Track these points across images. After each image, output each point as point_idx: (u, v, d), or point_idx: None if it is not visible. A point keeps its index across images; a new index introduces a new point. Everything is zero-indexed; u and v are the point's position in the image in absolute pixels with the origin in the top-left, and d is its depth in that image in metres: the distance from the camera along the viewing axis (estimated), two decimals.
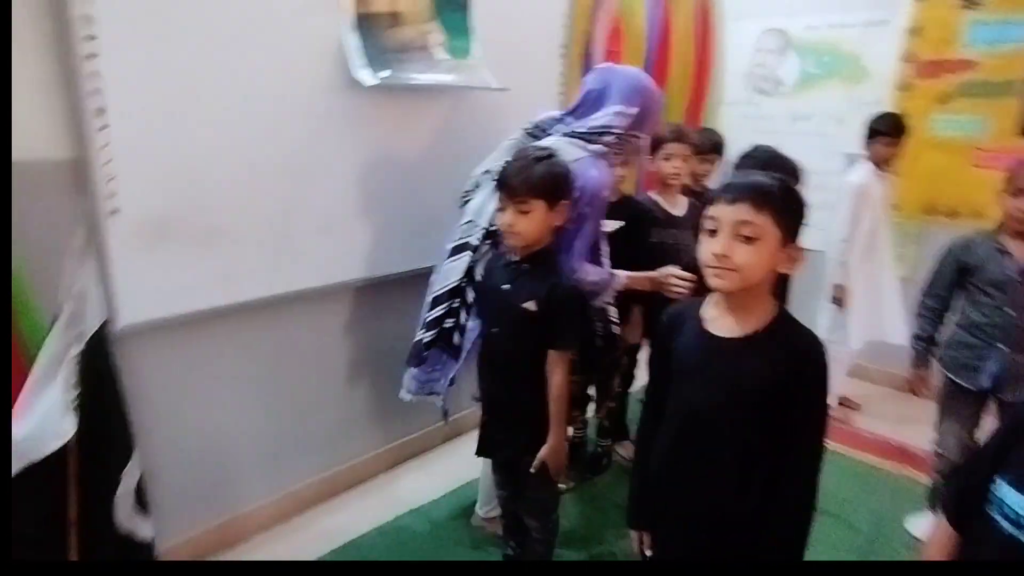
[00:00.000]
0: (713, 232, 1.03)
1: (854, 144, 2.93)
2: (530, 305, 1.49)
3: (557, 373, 1.52)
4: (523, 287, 1.51)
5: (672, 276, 1.81)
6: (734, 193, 1.02)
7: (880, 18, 3.16)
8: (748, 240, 1.00)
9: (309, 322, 2.05)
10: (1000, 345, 1.82)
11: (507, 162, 1.50)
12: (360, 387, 2.28)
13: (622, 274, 1.83)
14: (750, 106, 3.68)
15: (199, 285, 1.70)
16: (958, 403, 1.95)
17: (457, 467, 2.37)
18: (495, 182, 1.52)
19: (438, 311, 1.81)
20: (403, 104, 2.10)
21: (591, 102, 1.73)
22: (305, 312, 2.02)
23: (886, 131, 2.71)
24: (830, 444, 2.62)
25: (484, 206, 1.77)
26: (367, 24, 1.89)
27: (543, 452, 1.54)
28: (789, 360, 1.03)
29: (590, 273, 1.74)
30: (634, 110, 1.70)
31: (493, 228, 1.71)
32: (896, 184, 2.88)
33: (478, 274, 1.76)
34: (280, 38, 1.73)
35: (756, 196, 1.00)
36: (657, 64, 3.14)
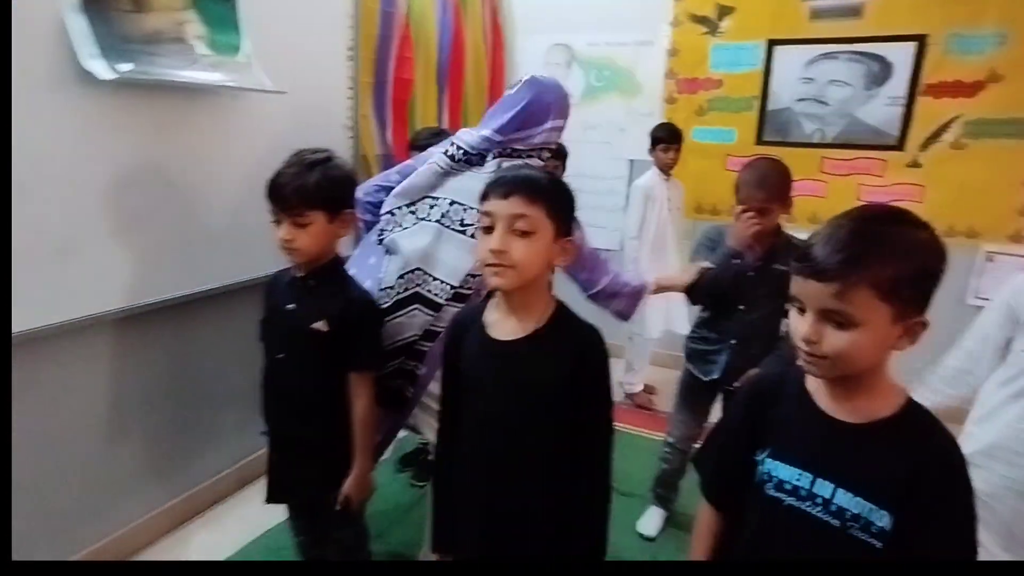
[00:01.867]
0: (489, 229, 1.00)
1: (635, 151, 3.20)
2: (320, 325, 1.34)
3: (361, 396, 1.40)
4: (311, 306, 1.36)
5: None
6: (507, 187, 1.00)
7: (646, 39, 3.51)
8: (524, 234, 0.98)
9: (48, 368, 1.66)
10: (732, 341, 1.87)
11: (279, 170, 1.33)
12: (129, 440, 1.90)
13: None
14: None
15: None
16: (693, 394, 2.03)
17: (257, 515, 2.06)
18: (270, 193, 1.33)
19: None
20: (161, 104, 1.80)
21: (533, 117, 1.51)
22: (44, 356, 1.63)
23: (665, 138, 3.00)
24: (635, 429, 2.89)
25: (432, 254, 1.51)
26: (98, 6, 1.57)
27: (347, 485, 1.40)
28: (572, 354, 1.03)
29: (622, 282, 1.64)
30: (563, 122, 1.58)
31: (467, 289, 1.51)
32: (682, 188, 3.17)
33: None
34: None
35: (529, 189, 0.99)
36: (451, 71, 3.14)
